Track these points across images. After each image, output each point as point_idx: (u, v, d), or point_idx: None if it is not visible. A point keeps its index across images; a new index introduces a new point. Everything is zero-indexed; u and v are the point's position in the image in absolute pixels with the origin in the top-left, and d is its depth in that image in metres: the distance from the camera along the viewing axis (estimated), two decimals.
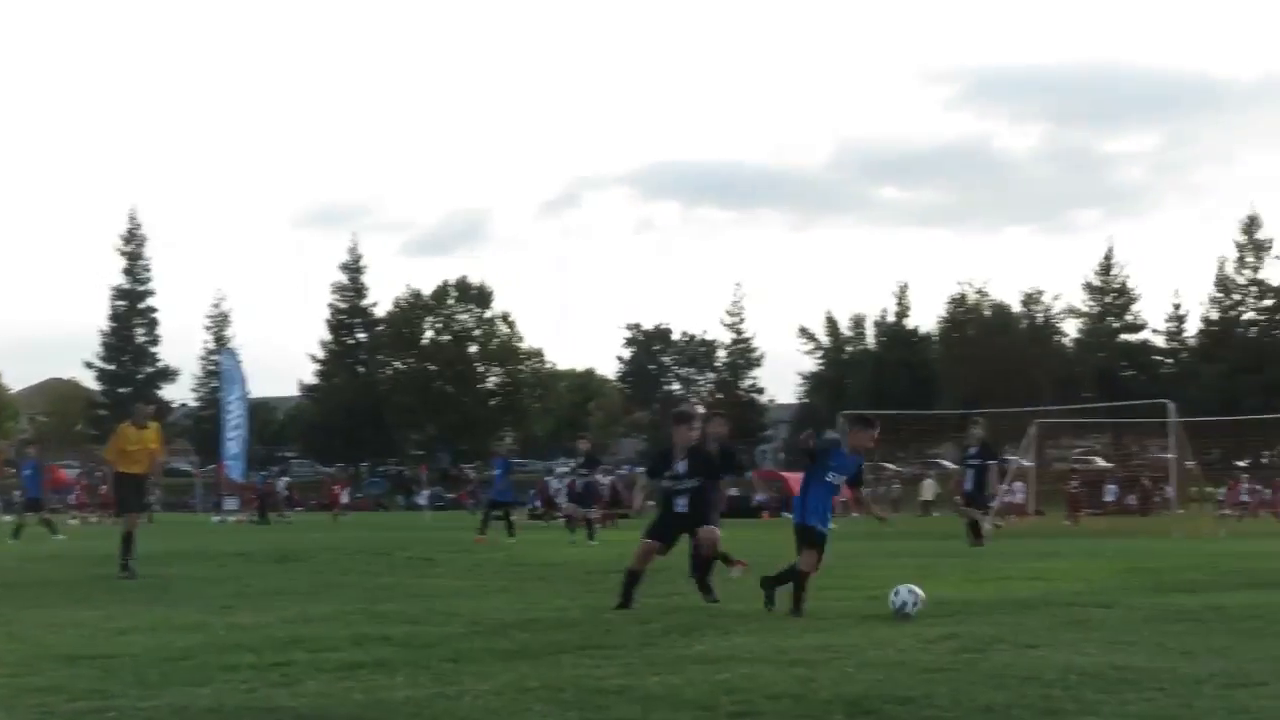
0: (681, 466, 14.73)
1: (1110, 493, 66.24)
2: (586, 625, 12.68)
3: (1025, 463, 53.20)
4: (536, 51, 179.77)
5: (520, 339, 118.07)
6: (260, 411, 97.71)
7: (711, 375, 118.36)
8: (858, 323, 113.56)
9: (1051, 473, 69.81)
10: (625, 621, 12.90)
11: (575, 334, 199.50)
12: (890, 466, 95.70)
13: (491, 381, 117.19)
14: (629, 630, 12.18)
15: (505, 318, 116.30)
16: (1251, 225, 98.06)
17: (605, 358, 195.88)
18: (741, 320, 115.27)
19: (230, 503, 65.75)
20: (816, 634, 11.81)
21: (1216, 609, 13.71)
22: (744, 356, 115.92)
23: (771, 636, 11.60)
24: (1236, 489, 63.17)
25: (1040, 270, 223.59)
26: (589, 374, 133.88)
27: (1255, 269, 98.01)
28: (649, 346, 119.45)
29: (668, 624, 12.63)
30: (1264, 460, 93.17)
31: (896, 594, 13.38)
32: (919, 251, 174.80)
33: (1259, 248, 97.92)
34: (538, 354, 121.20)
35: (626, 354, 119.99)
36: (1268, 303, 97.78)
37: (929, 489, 73.28)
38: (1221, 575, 19.00)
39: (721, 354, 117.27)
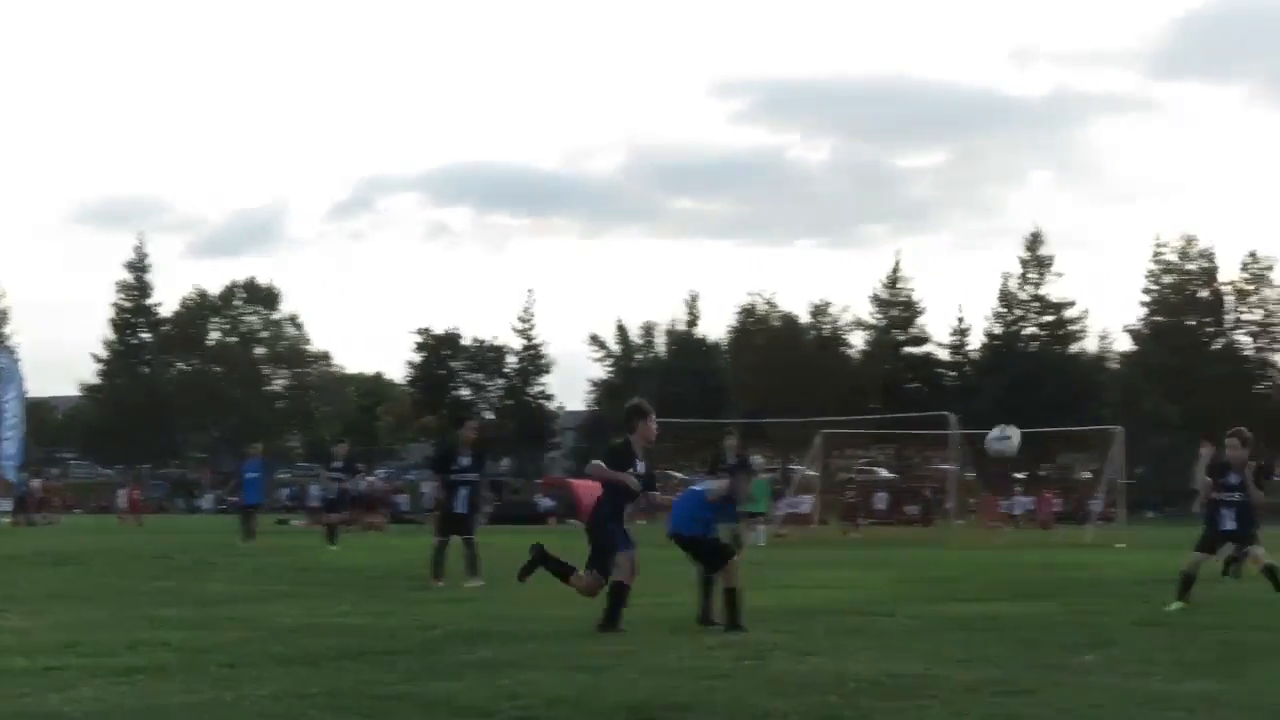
0: (642, 466, 13.80)
1: (880, 500, 67.19)
2: (369, 631, 12.61)
3: (810, 472, 54.02)
4: (327, 50, 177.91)
5: (308, 341, 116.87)
6: (39, 411, 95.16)
7: (501, 381, 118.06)
8: (648, 331, 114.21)
9: (838, 483, 71.04)
10: (408, 627, 12.85)
11: (364, 337, 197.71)
12: (678, 475, 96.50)
13: (278, 384, 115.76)
14: (412, 636, 12.14)
15: (293, 320, 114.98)
16: (1034, 242, 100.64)
17: (394, 362, 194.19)
18: (532, 326, 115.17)
19: (4, 504, 63.89)
20: (601, 641, 11.89)
21: (991, 617, 14.09)
22: (534, 363, 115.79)
23: (556, 643, 11.64)
24: (1012, 499, 64.78)
25: (829, 282, 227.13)
26: (377, 378, 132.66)
27: (1037, 285, 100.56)
28: (439, 351, 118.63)
29: (451, 630, 12.62)
30: (1042, 473, 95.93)
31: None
32: (710, 261, 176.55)
33: (1041, 264, 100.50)
34: (326, 357, 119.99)
35: (416, 358, 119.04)
36: (1048, 318, 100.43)
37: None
38: (996, 585, 19.50)
39: (511, 360, 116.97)
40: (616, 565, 13.27)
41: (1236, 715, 8.13)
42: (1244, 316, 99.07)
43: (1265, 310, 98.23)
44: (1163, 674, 9.91)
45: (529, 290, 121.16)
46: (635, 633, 12.43)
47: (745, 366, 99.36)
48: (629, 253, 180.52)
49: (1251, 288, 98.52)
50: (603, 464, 13.62)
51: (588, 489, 71.83)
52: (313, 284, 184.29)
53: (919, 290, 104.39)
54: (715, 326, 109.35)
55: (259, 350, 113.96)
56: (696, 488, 13.48)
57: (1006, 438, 20.14)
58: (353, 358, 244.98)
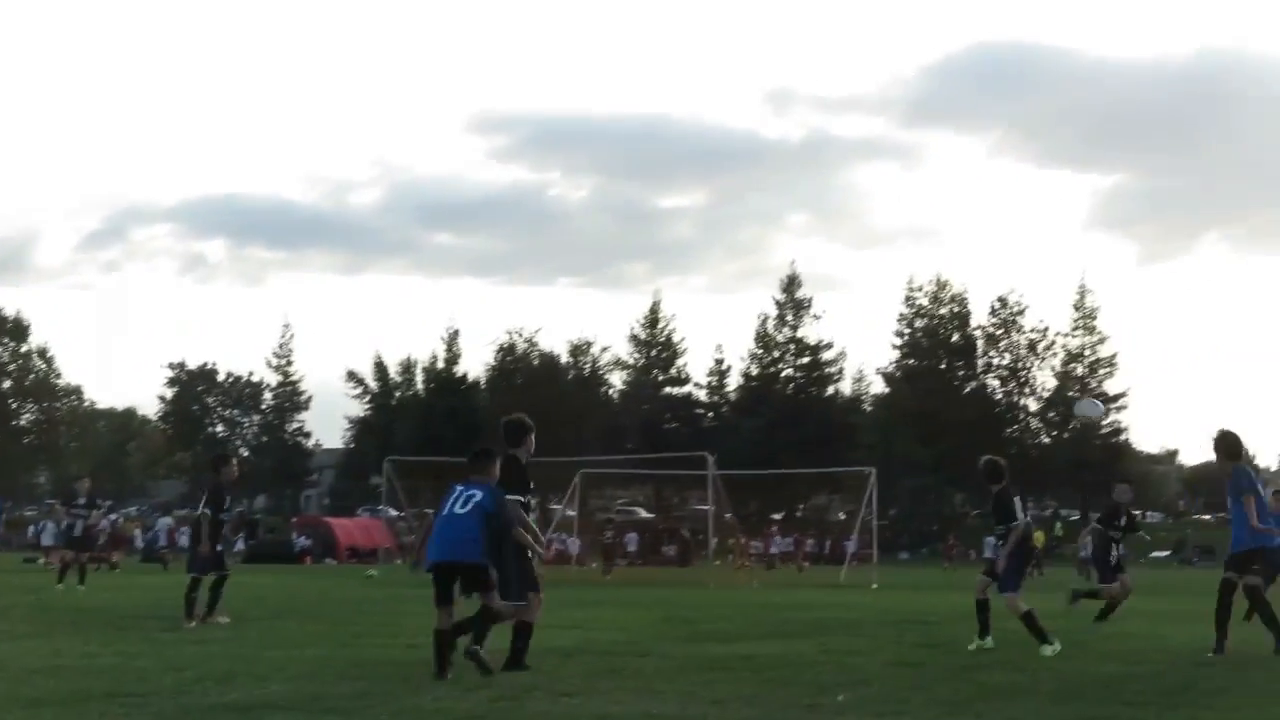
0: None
1: (632, 542, 67.31)
2: (116, 672, 12.26)
3: (570, 512, 54.00)
4: (78, 75, 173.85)
5: (58, 375, 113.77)
6: None
7: (257, 417, 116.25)
8: (407, 368, 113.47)
9: (596, 523, 71.16)
10: (158, 669, 12.51)
11: (117, 371, 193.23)
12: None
13: (25, 419, 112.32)
14: (162, 677, 11.84)
15: (42, 353, 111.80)
16: (791, 284, 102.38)
17: (147, 397, 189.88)
18: (289, 363, 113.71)
19: None
20: (355, 681, 11.73)
21: (746, 658, 14.20)
22: (291, 399, 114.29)
23: (308, 684, 11.45)
24: (768, 539, 65.46)
25: (590, 321, 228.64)
26: (129, 413, 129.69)
27: (794, 327, 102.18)
28: (193, 386, 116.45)
29: (202, 671, 12.32)
30: (798, 514, 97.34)
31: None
32: (470, 298, 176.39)
33: (798, 306, 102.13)
34: (76, 391, 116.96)
35: (169, 393, 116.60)
36: (805, 360, 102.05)
37: None
38: (752, 625, 19.68)
39: (268, 396, 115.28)
40: (529, 604, 13.19)
41: None
42: (994, 361, 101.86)
43: (1014, 355, 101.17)
44: (914, 713, 10.06)
45: (286, 325, 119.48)
46: (388, 674, 12.24)
47: (504, 405, 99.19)
48: (388, 289, 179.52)
49: (1001, 332, 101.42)
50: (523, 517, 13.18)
51: (345, 529, 71.12)
52: (63, 315, 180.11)
53: (679, 330, 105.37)
54: (475, 364, 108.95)
55: (5, 384, 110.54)
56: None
57: (1096, 406, 19.41)
58: (104, 392, 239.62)
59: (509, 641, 12.93)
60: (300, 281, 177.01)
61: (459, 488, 12.73)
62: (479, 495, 12.53)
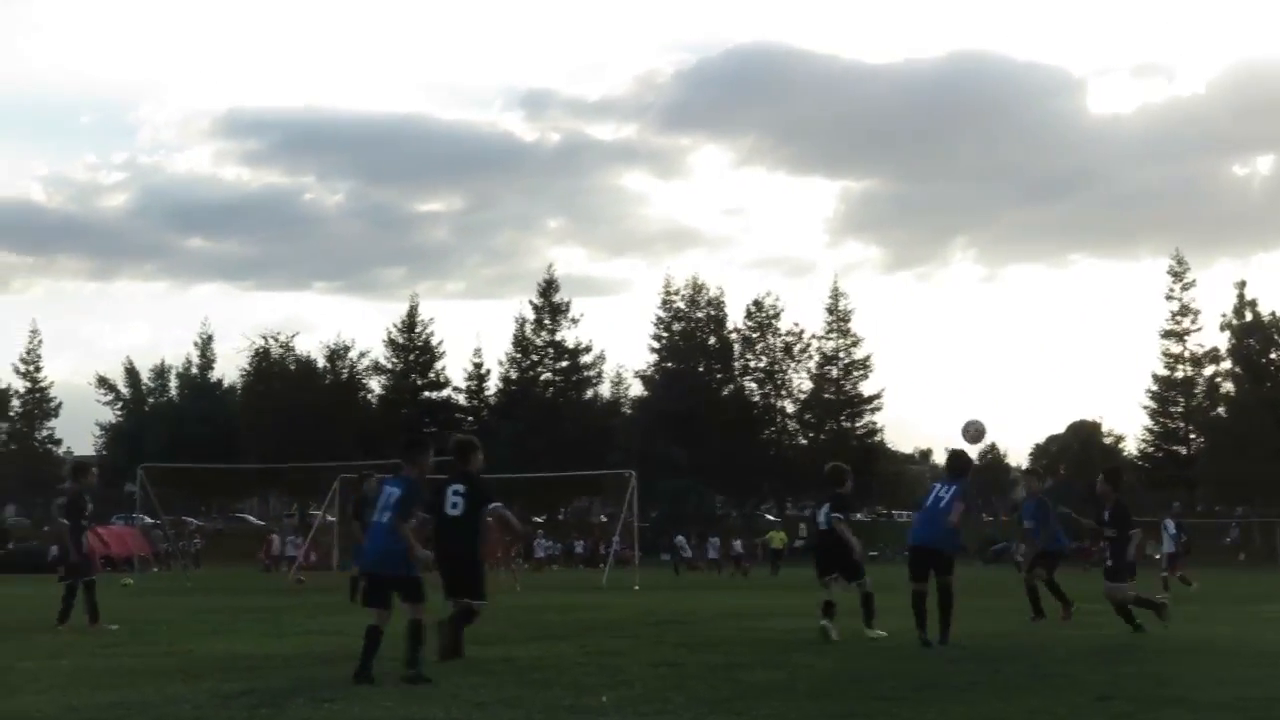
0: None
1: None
2: None
3: (329, 518, 53.43)
4: None
5: None
6: None
7: (4, 425, 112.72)
8: (160, 374, 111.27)
9: (356, 529, 70.37)
10: None
11: None
12: (192, 520, 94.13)
13: None
14: None
15: None
16: (549, 289, 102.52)
17: None
18: (37, 369, 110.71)
19: None
20: (110, 690, 11.53)
21: (508, 660, 14.25)
22: (39, 406, 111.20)
23: (63, 695, 11.20)
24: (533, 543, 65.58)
25: (346, 326, 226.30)
26: None
27: (552, 331, 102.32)
28: None
29: None
30: (560, 517, 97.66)
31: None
32: (224, 303, 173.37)
33: (556, 310, 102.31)
34: None
35: None
36: (563, 364, 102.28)
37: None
38: (514, 627, 19.67)
39: (16, 403, 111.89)
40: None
41: None
42: (751, 363, 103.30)
43: (771, 357, 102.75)
44: (676, 712, 10.20)
45: (34, 330, 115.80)
46: (144, 683, 12.02)
47: (260, 410, 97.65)
48: (140, 293, 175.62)
49: (757, 335, 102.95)
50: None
51: (98, 536, 69.33)
52: None
53: (437, 334, 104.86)
54: (229, 369, 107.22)
55: None
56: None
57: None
58: None
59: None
60: (49, 286, 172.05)
61: (386, 488, 12.92)
62: (396, 493, 12.63)
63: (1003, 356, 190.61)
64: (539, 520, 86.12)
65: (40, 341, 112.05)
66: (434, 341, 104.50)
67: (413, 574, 12.52)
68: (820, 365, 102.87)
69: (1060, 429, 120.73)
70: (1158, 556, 37.47)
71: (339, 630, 19.01)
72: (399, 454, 13.50)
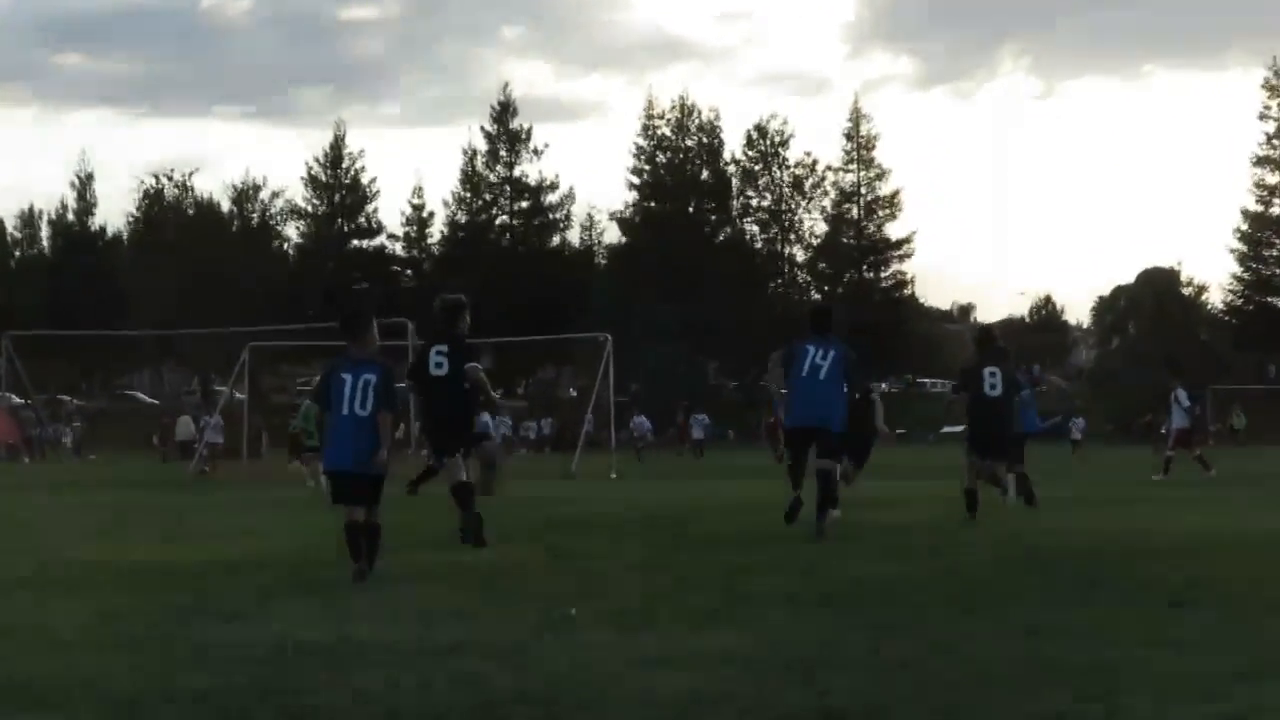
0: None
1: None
2: None
3: (239, 395, 53.45)
4: None
5: None
6: None
7: None
8: (28, 221, 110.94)
9: (272, 406, 70.51)
10: None
11: None
12: (71, 399, 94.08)
13: None
14: None
15: None
16: (504, 112, 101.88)
17: None
18: None
19: None
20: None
21: (460, 565, 14.31)
22: None
23: None
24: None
25: (257, 161, 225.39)
26: None
27: (510, 165, 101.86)
28: None
29: None
30: (521, 391, 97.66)
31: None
32: (107, 133, 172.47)
33: (514, 139, 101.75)
34: None
35: None
36: (523, 204, 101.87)
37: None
38: None
39: None
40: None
41: (750, 672, 8.44)
42: (753, 202, 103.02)
43: (777, 195, 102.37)
44: (660, 626, 10.24)
45: None
46: (20, 605, 12.04)
47: (152, 265, 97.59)
48: (4, 122, 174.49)
49: (760, 168, 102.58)
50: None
51: None
52: None
53: (368, 170, 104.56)
54: (114, 215, 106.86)
55: None
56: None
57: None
58: None
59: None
60: None
61: (346, 375, 13.50)
62: (374, 380, 13.46)
63: (1061, 191, 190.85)
64: (497, 395, 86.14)
65: None
66: (364, 179, 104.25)
67: (381, 473, 13.59)
68: (837, 204, 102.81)
69: (1129, 278, 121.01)
70: (1164, 431, 38.01)
71: (249, 530, 19.11)
72: (341, 331, 13.94)
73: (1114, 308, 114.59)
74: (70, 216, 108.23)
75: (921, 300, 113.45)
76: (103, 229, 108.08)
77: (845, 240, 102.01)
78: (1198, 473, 34.55)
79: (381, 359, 13.99)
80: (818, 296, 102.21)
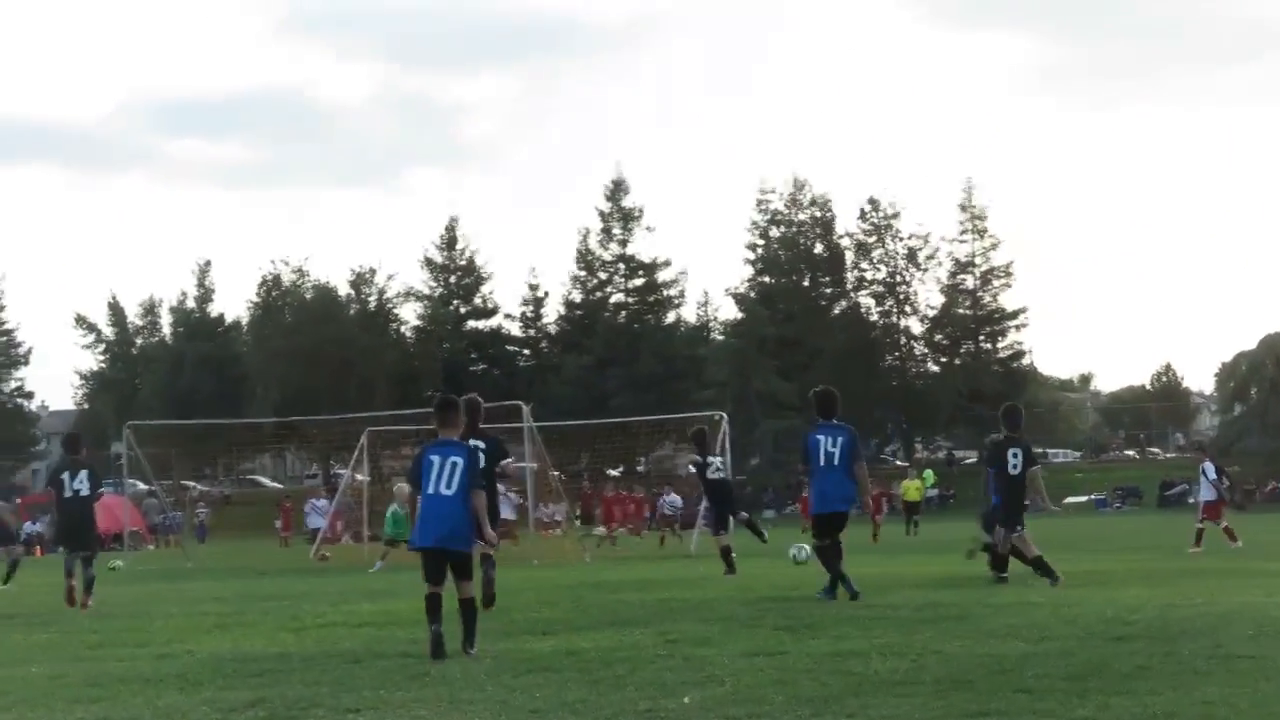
0: None
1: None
2: None
3: (359, 477, 53.66)
4: None
5: None
6: None
7: None
8: (150, 309, 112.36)
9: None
10: None
11: None
12: (195, 486, 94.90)
13: None
14: None
15: None
16: (617, 190, 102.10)
17: None
18: (1, 307, 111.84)
19: None
20: (91, 704, 11.68)
21: (572, 654, 14.30)
22: (6, 353, 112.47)
23: (32, 711, 11.39)
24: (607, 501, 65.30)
25: (372, 244, 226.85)
26: None
27: (623, 242, 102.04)
28: None
29: None
30: (640, 468, 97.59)
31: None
32: (225, 220, 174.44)
33: (627, 217, 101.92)
34: None
35: None
36: (638, 282, 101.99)
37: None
38: (582, 611, 19.77)
39: None
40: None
41: None
42: (867, 275, 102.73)
43: (891, 266, 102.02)
44: (774, 714, 10.22)
45: None
46: (131, 694, 12.15)
47: (271, 351, 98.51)
48: (124, 210, 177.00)
49: (874, 240, 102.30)
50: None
51: (103, 508, 69.89)
52: None
53: (483, 251, 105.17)
54: (233, 302, 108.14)
55: None
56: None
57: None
58: None
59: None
60: (12, 205, 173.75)
61: (434, 456, 14.56)
62: (461, 463, 14.51)
63: (1178, 254, 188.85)
64: (614, 474, 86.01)
65: (2, 275, 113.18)
66: (479, 259, 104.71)
67: (469, 550, 14.87)
68: (952, 274, 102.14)
69: (1252, 344, 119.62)
70: (1191, 501, 38.26)
71: (368, 621, 19.18)
72: (437, 419, 15.16)
73: (1236, 373, 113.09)
74: (190, 304, 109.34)
75: (1041, 371, 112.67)
76: (222, 316, 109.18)
77: (961, 311, 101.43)
78: (1224, 544, 35.30)
79: (467, 443, 15.34)
80: (935, 368, 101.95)
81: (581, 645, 15.06)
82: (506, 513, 37.32)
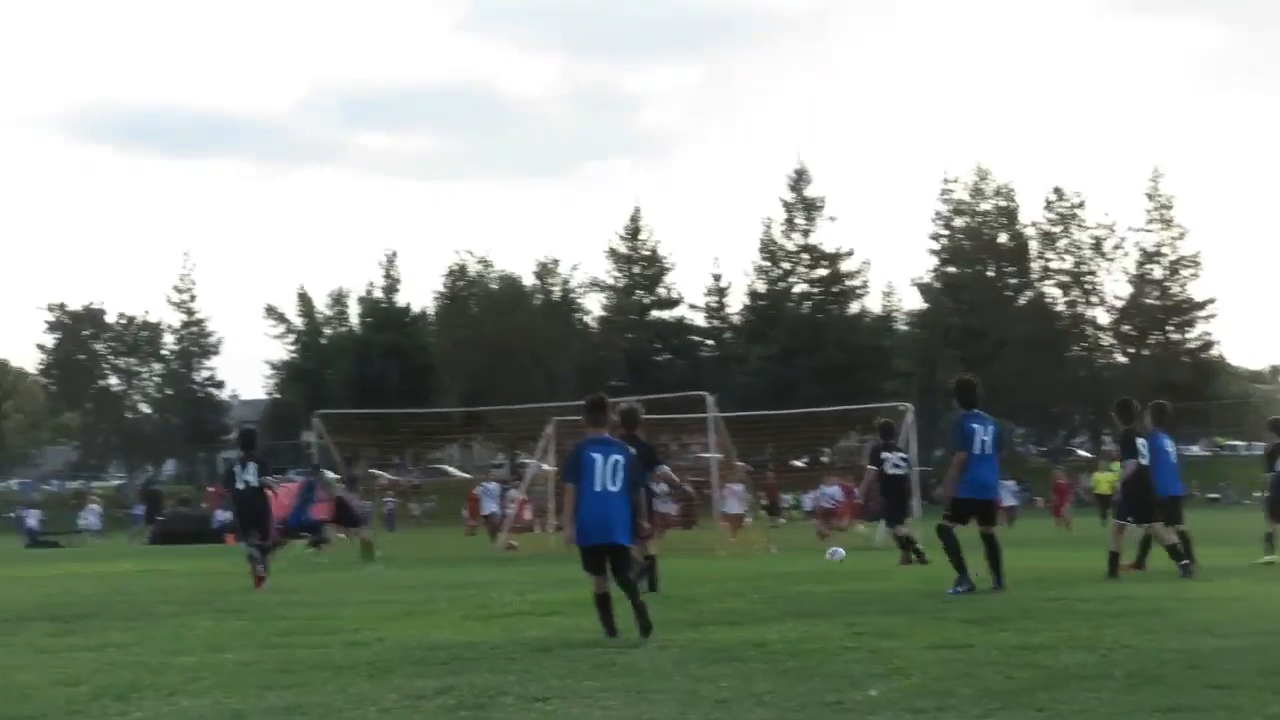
0: None
1: None
2: None
3: (545, 467, 53.89)
4: None
5: None
6: None
7: (158, 366, 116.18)
8: (338, 300, 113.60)
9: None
10: (46, 684, 12.58)
11: None
12: (384, 475, 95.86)
13: None
14: (50, 695, 11.91)
15: None
16: (800, 180, 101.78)
17: (22, 346, 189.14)
18: (193, 298, 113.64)
19: None
20: (283, 690, 11.81)
21: (759, 645, 14.28)
22: (198, 342, 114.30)
23: (227, 697, 11.52)
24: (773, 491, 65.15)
25: (557, 234, 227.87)
26: (2, 366, 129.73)
27: (806, 232, 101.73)
28: (77, 332, 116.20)
29: (99, 684, 12.41)
30: (824, 459, 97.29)
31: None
32: (411, 211, 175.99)
33: (810, 207, 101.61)
34: None
35: (49, 341, 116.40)
36: (821, 272, 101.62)
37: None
38: (767, 603, 19.74)
39: (169, 340, 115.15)
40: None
41: None
42: (1052, 264, 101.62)
43: (1076, 257, 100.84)
44: (961, 708, 10.16)
45: (186, 252, 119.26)
46: (323, 681, 12.30)
47: (457, 341, 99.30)
48: (311, 202, 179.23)
49: (1059, 230, 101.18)
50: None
51: (274, 498, 70.68)
52: None
53: (666, 242, 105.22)
54: (420, 292, 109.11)
55: None
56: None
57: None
58: None
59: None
60: (204, 197, 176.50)
61: (595, 454, 15.13)
62: (623, 461, 15.14)
63: None
64: (800, 464, 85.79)
65: (194, 266, 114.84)
66: (663, 250, 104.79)
67: (628, 543, 15.40)
68: (1139, 264, 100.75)
69: None
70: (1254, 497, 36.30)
71: (556, 609, 19.28)
72: (589, 418, 15.80)
73: None
74: (378, 294, 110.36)
75: (1231, 362, 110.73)
76: (408, 306, 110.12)
77: (1149, 301, 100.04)
78: None
79: (622, 441, 16.33)
80: (1122, 359, 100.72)
81: (768, 636, 15.04)
82: (664, 507, 37.21)
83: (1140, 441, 23.22)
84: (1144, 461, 23.02)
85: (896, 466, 31.54)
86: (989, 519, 20.82)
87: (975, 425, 20.80)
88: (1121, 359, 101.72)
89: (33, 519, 72.10)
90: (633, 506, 15.27)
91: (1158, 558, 23.99)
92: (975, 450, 20.67)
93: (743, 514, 50.34)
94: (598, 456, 15.00)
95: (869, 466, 32.90)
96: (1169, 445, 24.41)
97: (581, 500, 15.01)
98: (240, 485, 25.54)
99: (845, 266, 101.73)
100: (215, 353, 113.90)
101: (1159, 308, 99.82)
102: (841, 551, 32.94)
